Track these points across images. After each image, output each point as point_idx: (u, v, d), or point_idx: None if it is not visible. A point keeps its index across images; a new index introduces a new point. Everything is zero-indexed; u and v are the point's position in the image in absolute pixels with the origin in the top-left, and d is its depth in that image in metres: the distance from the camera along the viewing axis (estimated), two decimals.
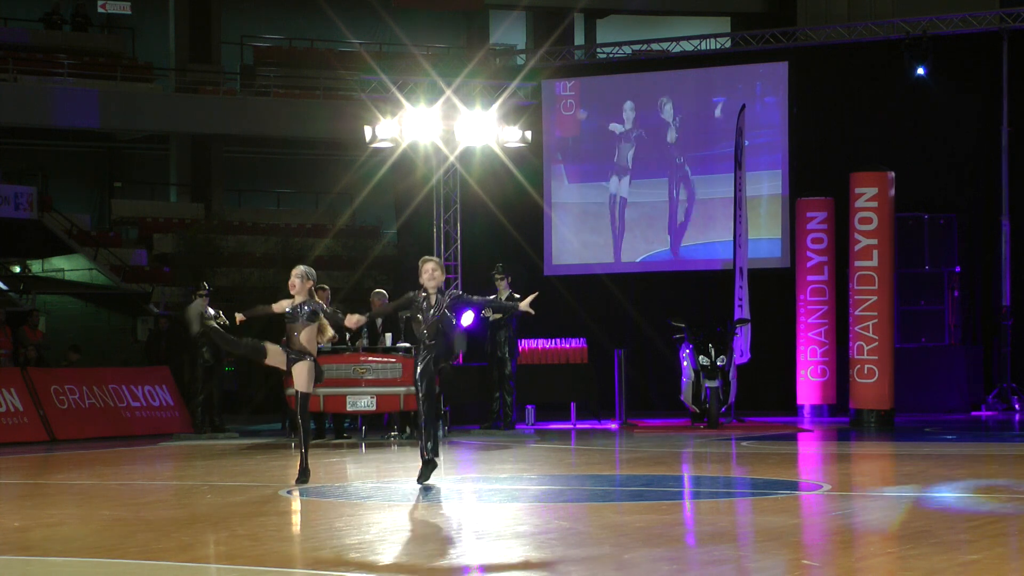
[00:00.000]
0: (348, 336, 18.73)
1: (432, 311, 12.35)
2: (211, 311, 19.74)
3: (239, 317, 13.38)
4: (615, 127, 25.63)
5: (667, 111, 25.21)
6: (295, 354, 12.64)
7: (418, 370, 12.38)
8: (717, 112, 24.96)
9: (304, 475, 12.73)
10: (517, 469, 14.65)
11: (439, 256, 22.68)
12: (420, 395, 12.35)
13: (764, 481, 13.18)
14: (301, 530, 10.18)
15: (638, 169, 25.45)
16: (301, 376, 12.62)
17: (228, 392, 22.62)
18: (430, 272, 12.39)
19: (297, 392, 12.68)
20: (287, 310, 12.66)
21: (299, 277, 12.67)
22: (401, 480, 13.54)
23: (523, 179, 24.67)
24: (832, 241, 23.01)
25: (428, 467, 12.37)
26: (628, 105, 25.56)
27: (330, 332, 12.80)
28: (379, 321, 18.66)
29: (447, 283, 14.11)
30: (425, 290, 12.42)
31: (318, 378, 12.86)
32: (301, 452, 12.76)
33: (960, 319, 23.46)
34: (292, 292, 12.68)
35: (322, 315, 12.73)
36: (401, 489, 12.69)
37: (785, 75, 24.64)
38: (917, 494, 11.90)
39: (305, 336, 12.60)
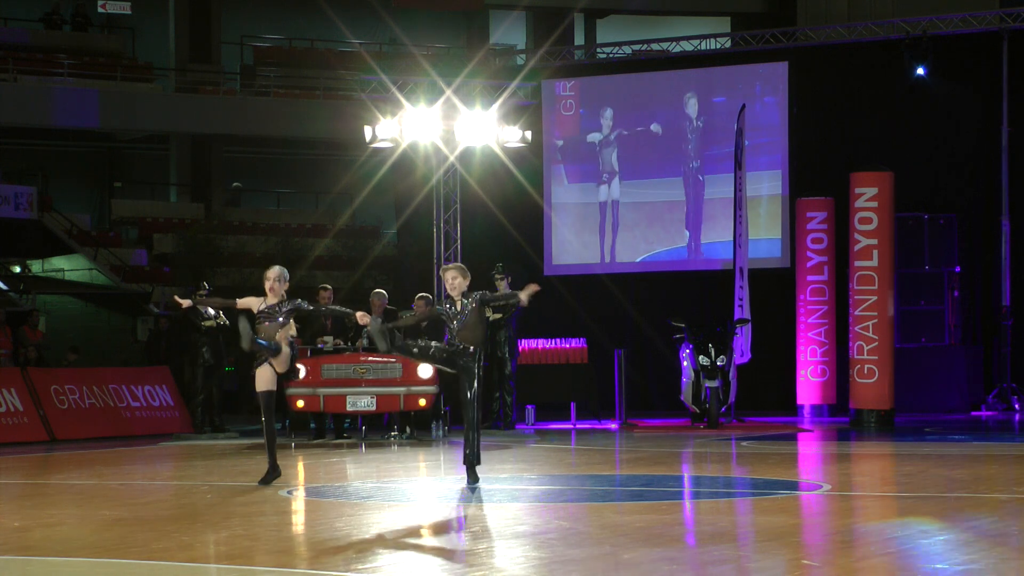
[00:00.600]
0: (349, 336, 18.74)
1: (459, 318, 12.32)
2: (211, 311, 19.74)
3: (184, 303, 13.27)
4: (593, 136, 25.63)
5: (691, 106, 25.16)
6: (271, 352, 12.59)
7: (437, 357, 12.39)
8: (724, 112, 24.96)
9: (271, 474, 12.69)
10: (517, 469, 14.65)
11: (439, 256, 22.70)
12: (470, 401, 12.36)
13: (764, 481, 13.18)
14: (301, 530, 10.18)
15: (631, 170, 25.44)
16: (279, 361, 12.56)
17: (228, 392, 22.62)
18: (450, 281, 12.36)
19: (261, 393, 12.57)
20: (262, 308, 12.59)
21: (278, 280, 12.60)
22: (401, 480, 13.54)
23: (523, 179, 24.67)
24: (832, 241, 23.01)
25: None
26: (607, 113, 25.55)
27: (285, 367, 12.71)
28: (379, 321, 18.61)
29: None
30: (450, 298, 12.42)
31: (292, 366, 12.81)
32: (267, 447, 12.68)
33: (960, 319, 23.45)
34: (269, 293, 12.59)
35: (301, 310, 12.66)
36: (401, 489, 12.71)
37: (785, 75, 24.64)
38: (917, 495, 11.90)
39: (281, 336, 12.55)
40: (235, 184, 35.74)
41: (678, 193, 25.21)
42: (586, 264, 25.57)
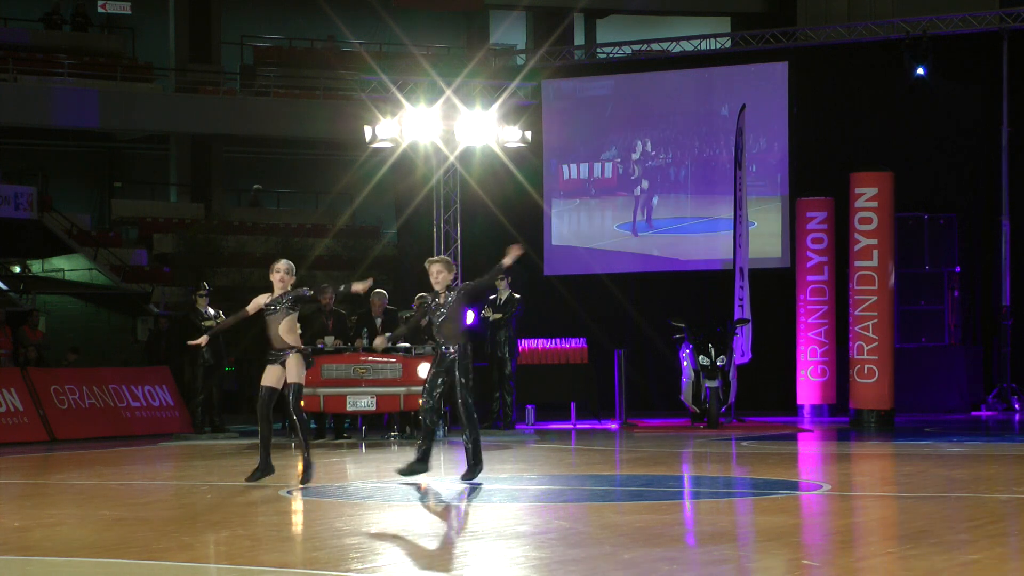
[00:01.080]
0: (349, 336, 18.73)
1: (440, 312, 12.45)
2: (211, 311, 19.73)
3: (202, 341, 13.29)
4: (593, 135, 25.62)
5: (673, 147, 25.21)
6: (279, 352, 12.58)
7: (432, 378, 12.49)
8: (724, 111, 24.95)
9: (308, 471, 12.68)
10: (517, 469, 14.65)
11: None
12: (427, 404, 12.48)
13: (764, 481, 13.18)
14: (301, 530, 10.18)
15: (632, 170, 25.47)
16: (292, 368, 12.57)
17: (228, 392, 22.61)
18: (435, 275, 12.51)
19: (290, 385, 12.58)
20: (266, 304, 12.59)
21: (287, 271, 12.60)
22: (401, 480, 13.54)
23: (523, 179, 24.66)
24: (832, 241, 23.00)
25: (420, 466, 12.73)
26: (608, 113, 25.55)
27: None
28: (379, 321, 18.65)
29: None
30: (436, 292, 12.54)
31: (308, 366, 12.79)
32: (303, 450, 12.71)
33: (960, 319, 23.45)
34: (278, 285, 12.60)
35: (302, 297, 12.64)
36: (401, 489, 12.70)
37: (785, 75, 24.63)
38: (917, 495, 11.90)
39: (285, 326, 12.53)
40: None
41: (680, 193, 25.20)
42: (586, 264, 25.55)
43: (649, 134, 25.41)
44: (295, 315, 12.61)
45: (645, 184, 25.38)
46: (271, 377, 12.61)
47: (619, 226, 25.54)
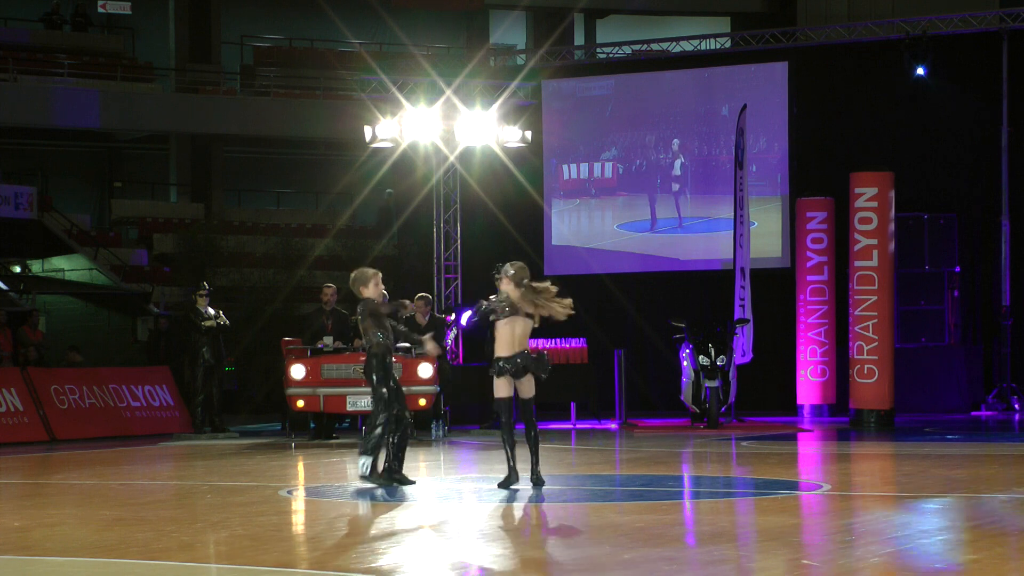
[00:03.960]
0: (349, 336, 18.71)
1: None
2: (211, 311, 19.72)
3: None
4: (592, 136, 25.57)
5: (675, 146, 25.17)
6: (527, 363, 12.45)
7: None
8: (724, 111, 24.95)
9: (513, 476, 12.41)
10: (517, 469, 14.61)
11: (439, 256, 22.71)
12: None
13: (764, 481, 13.19)
14: (301, 530, 10.19)
15: (632, 168, 25.46)
16: (524, 380, 12.67)
17: (228, 392, 22.58)
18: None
19: (525, 400, 12.66)
20: (507, 309, 12.26)
21: (500, 271, 12.36)
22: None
23: (523, 179, 24.67)
24: (832, 241, 23.01)
25: None
26: (608, 113, 25.52)
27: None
28: None
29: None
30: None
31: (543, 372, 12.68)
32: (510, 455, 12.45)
33: (960, 319, 23.46)
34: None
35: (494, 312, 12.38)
36: (401, 489, 12.71)
37: (785, 75, 24.63)
38: (917, 494, 11.90)
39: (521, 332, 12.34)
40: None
41: (681, 193, 25.22)
42: (586, 264, 25.54)
43: (649, 134, 25.38)
44: (529, 322, 12.33)
45: (676, 186, 25.26)
46: (500, 388, 12.71)
47: (661, 220, 25.33)
